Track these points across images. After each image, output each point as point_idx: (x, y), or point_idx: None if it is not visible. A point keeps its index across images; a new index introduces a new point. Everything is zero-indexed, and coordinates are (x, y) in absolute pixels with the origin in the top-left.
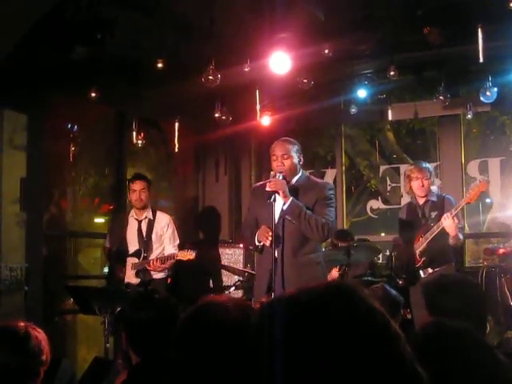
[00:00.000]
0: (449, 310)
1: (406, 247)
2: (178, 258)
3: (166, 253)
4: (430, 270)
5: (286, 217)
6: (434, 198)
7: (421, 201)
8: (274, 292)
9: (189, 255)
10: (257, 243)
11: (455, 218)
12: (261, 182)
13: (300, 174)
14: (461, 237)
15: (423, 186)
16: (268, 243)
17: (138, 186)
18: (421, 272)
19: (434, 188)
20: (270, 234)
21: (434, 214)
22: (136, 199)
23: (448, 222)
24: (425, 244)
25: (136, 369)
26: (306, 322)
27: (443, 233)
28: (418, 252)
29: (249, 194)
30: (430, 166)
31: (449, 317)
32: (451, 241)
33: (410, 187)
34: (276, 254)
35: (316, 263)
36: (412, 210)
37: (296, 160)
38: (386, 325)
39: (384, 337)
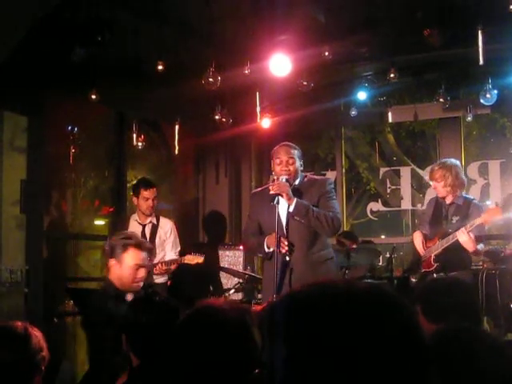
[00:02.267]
0: (442, 311)
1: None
2: (185, 261)
3: (167, 258)
4: (442, 275)
5: (295, 218)
6: (459, 202)
7: (448, 201)
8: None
9: (197, 259)
10: (266, 250)
11: (471, 234)
12: (260, 188)
13: (300, 177)
14: (480, 248)
15: (436, 188)
16: (284, 251)
17: (151, 193)
18: (434, 276)
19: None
20: (286, 242)
21: (455, 219)
22: (147, 207)
23: (463, 238)
24: (440, 249)
25: (136, 371)
26: (317, 317)
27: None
28: (433, 256)
29: (249, 196)
30: (453, 164)
31: (444, 319)
32: (472, 254)
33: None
34: (289, 258)
35: (329, 259)
36: (438, 208)
37: (298, 164)
38: (411, 326)
39: (404, 337)
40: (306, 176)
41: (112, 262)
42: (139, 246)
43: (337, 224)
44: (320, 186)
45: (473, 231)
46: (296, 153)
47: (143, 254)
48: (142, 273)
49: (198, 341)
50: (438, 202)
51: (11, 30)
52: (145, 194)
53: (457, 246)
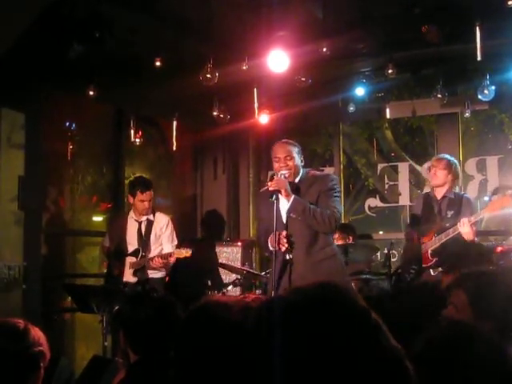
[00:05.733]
0: (492, 307)
1: (416, 242)
2: (174, 255)
3: (165, 252)
4: (439, 269)
5: (291, 214)
6: (452, 196)
7: (438, 195)
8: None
9: (185, 253)
10: (271, 248)
11: (473, 226)
12: (265, 188)
13: (301, 173)
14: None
15: (435, 174)
16: (283, 249)
17: (147, 196)
18: (431, 270)
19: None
20: (285, 240)
21: (450, 214)
22: (143, 208)
23: (465, 230)
24: (438, 244)
25: (134, 367)
26: (297, 321)
27: (458, 235)
28: (429, 251)
29: (247, 192)
30: (453, 160)
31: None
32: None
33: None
34: (290, 256)
35: (332, 255)
36: (428, 204)
37: (298, 161)
38: (369, 320)
39: (368, 331)
40: (308, 172)
41: None
42: None
43: (333, 222)
44: (321, 182)
45: (475, 224)
46: (294, 149)
47: None
48: None
49: (203, 338)
50: (427, 199)
51: (9, 27)
52: (141, 196)
53: (455, 243)
